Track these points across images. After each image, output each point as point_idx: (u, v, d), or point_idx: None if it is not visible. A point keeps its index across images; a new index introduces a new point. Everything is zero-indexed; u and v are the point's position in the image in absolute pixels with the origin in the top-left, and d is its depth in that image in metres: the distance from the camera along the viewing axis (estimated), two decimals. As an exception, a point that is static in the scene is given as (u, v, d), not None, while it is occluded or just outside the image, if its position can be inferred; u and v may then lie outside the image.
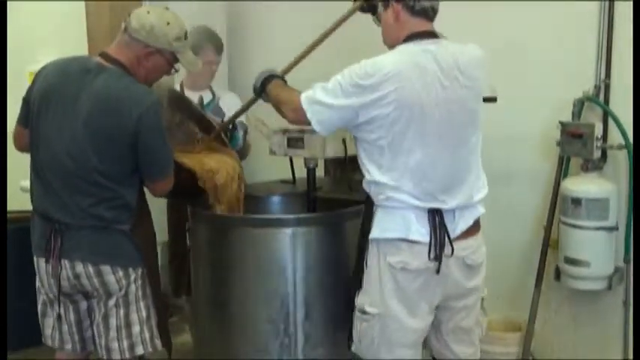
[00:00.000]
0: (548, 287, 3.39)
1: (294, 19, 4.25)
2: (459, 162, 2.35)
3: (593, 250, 3.13)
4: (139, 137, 2.34)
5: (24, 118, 2.52)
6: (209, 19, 4.27)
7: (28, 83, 5.79)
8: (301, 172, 3.18)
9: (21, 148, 2.58)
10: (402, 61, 2.28)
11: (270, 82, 2.63)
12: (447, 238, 2.33)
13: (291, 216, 3.01)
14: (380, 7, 2.43)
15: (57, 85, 2.41)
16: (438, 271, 2.33)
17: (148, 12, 2.45)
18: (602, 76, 3.21)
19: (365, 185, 2.42)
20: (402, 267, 2.33)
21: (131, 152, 2.36)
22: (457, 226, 2.37)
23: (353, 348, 2.51)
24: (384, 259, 2.36)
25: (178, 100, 3.00)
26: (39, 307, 2.58)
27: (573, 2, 3.26)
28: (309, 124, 2.37)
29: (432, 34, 2.37)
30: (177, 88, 3.65)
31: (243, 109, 3.04)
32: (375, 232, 2.38)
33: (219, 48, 3.56)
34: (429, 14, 2.37)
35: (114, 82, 2.38)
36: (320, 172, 3.21)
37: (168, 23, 2.45)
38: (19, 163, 4.85)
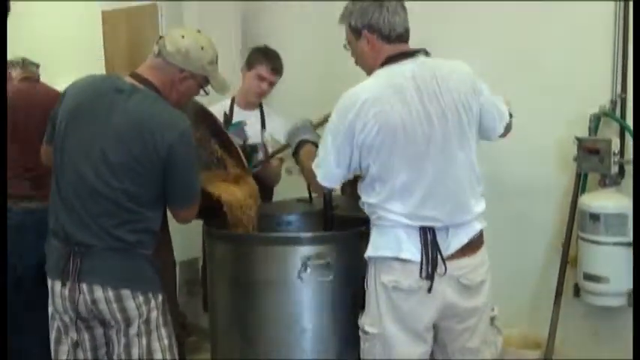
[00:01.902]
0: (567, 304, 3.36)
1: (309, 25, 4.27)
2: (446, 178, 2.33)
3: (613, 265, 3.11)
4: (169, 163, 2.33)
5: (51, 137, 2.50)
6: (223, 25, 4.32)
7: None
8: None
9: (49, 166, 2.59)
10: (378, 84, 2.31)
11: (302, 147, 2.66)
12: (439, 257, 2.32)
13: (308, 234, 3.01)
14: (350, 35, 2.44)
15: (87, 103, 2.39)
16: (429, 290, 2.32)
17: (183, 36, 2.45)
18: (619, 90, 3.20)
19: (360, 205, 2.46)
20: (394, 286, 2.34)
21: (160, 177, 2.35)
22: (450, 244, 2.36)
23: None
24: (378, 279, 2.37)
25: (202, 115, 2.99)
26: (52, 333, 2.52)
27: (588, 16, 3.26)
28: (328, 187, 2.49)
29: (408, 54, 2.37)
30: (229, 103, 3.68)
31: (274, 153, 3.09)
32: (369, 251, 2.40)
33: (273, 67, 3.56)
34: (404, 37, 2.39)
35: (148, 105, 2.37)
36: (336, 190, 3.21)
37: (202, 48, 2.46)
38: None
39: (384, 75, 2.33)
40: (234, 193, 2.80)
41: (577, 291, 3.29)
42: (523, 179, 3.42)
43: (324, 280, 2.74)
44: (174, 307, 2.59)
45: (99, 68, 4.92)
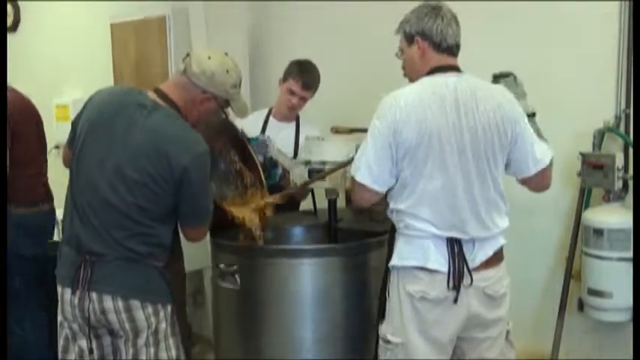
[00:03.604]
0: (571, 318, 3.36)
1: (316, 34, 4.29)
2: (476, 192, 2.36)
3: (616, 280, 3.11)
4: (182, 184, 2.34)
5: (71, 141, 2.52)
6: (230, 37, 4.35)
7: (54, 116, 5.94)
8: (322, 204, 3.20)
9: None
10: (421, 90, 2.35)
11: None
12: (465, 268, 2.34)
13: (313, 247, 3.03)
14: (403, 42, 2.48)
15: (108, 115, 2.40)
16: (455, 301, 2.34)
17: (209, 57, 2.46)
18: (623, 106, 3.22)
19: (388, 214, 2.45)
20: (421, 296, 2.34)
21: (173, 195, 2.36)
22: (476, 256, 2.38)
23: None
24: (403, 288, 2.37)
25: (225, 126, 2.98)
26: (60, 342, 2.52)
27: (593, 32, 3.29)
28: (376, 192, 2.38)
29: (454, 68, 2.42)
30: (265, 112, 3.68)
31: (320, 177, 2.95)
32: (394, 260, 2.40)
33: (304, 82, 3.52)
34: (453, 50, 2.43)
35: (168, 124, 2.38)
36: (341, 203, 3.23)
37: (227, 71, 2.47)
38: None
39: (428, 82, 2.38)
40: (244, 213, 2.80)
41: (581, 306, 3.29)
42: (527, 194, 3.40)
43: (334, 291, 2.78)
44: (183, 318, 2.59)
45: (107, 79, 4.96)
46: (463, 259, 2.34)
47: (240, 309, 2.91)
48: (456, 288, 2.32)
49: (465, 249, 2.35)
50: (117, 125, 2.37)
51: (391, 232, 2.48)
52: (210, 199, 2.48)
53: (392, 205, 2.41)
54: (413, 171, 2.32)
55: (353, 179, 2.43)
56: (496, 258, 2.44)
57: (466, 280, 2.34)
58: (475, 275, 2.35)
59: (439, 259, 2.33)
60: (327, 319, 2.81)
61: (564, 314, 3.34)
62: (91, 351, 2.45)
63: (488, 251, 2.41)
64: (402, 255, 2.38)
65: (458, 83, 2.36)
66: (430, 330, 2.37)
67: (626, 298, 3.10)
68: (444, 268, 2.32)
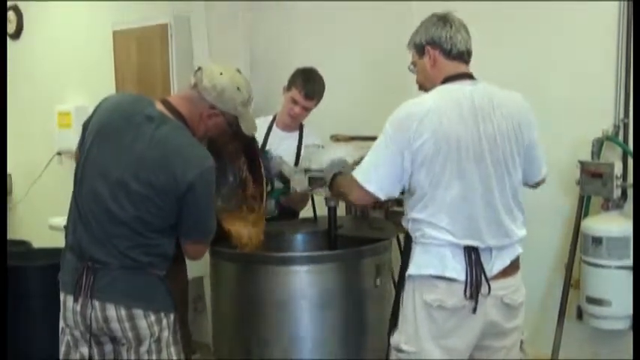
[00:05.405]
0: (570, 326, 3.36)
1: (315, 40, 4.30)
2: (495, 200, 2.36)
3: (615, 289, 3.12)
4: (186, 199, 2.32)
5: (80, 144, 2.52)
6: (231, 45, 4.37)
7: (57, 122, 5.95)
8: (322, 211, 3.21)
9: None
10: (437, 98, 2.35)
11: (338, 176, 2.66)
12: (483, 277, 2.34)
13: (313, 253, 3.04)
14: (415, 55, 2.49)
15: (115, 124, 2.39)
16: (474, 310, 2.33)
17: (221, 73, 2.45)
18: (621, 115, 3.23)
19: (404, 222, 2.45)
20: (439, 305, 2.33)
21: (176, 209, 2.35)
22: (494, 265, 2.38)
23: None
24: (420, 297, 2.37)
25: (242, 132, 2.98)
26: (62, 349, 2.51)
27: (592, 41, 3.31)
28: (374, 197, 2.37)
29: (468, 76, 2.43)
30: (270, 119, 3.67)
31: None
32: (411, 269, 2.39)
33: (307, 92, 3.49)
34: (465, 57, 2.43)
35: (175, 138, 2.36)
36: (341, 210, 3.24)
37: (238, 88, 2.46)
38: (47, 202, 4.96)
39: (444, 90, 2.38)
40: (241, 231, 2.80)
41: (580, 313, 3.30)
42: (526, 202, 3.41)
43: (334, 298, 2.80)
44: (184, 325, 2.59)
45: (109, 87, 4.98)
46: (481, 268, 2.33)
47: (239, 316, 2.92)
48: (474, 297, 2.32)
49: (482, 257, 2.35)
50: (123, 135, 2.36)
51: (406, 241, 2.48)
52: (213, 216, 2.46)
53: (410, 215, 2.40)
54: (432, 179, 2.31)
55: (353, 177, 2.41)
56: (513, 267, 2.45)
57: (484, 289, 2.34)
58: (493, 284, 2.35)
59: (456, 268, 2.32)
60: (326, 325, 2.82)
61: (563, 322, 3.34)
62: (92, 358, 2.45)
63: (505, 260, 2.41)
64: (419, 264, 2.37)
65: (474, 91, 2.36)
66: (446, 339, 2.36)
67: (625, 306, 3.11)
68: (462, 277, 2.32)
